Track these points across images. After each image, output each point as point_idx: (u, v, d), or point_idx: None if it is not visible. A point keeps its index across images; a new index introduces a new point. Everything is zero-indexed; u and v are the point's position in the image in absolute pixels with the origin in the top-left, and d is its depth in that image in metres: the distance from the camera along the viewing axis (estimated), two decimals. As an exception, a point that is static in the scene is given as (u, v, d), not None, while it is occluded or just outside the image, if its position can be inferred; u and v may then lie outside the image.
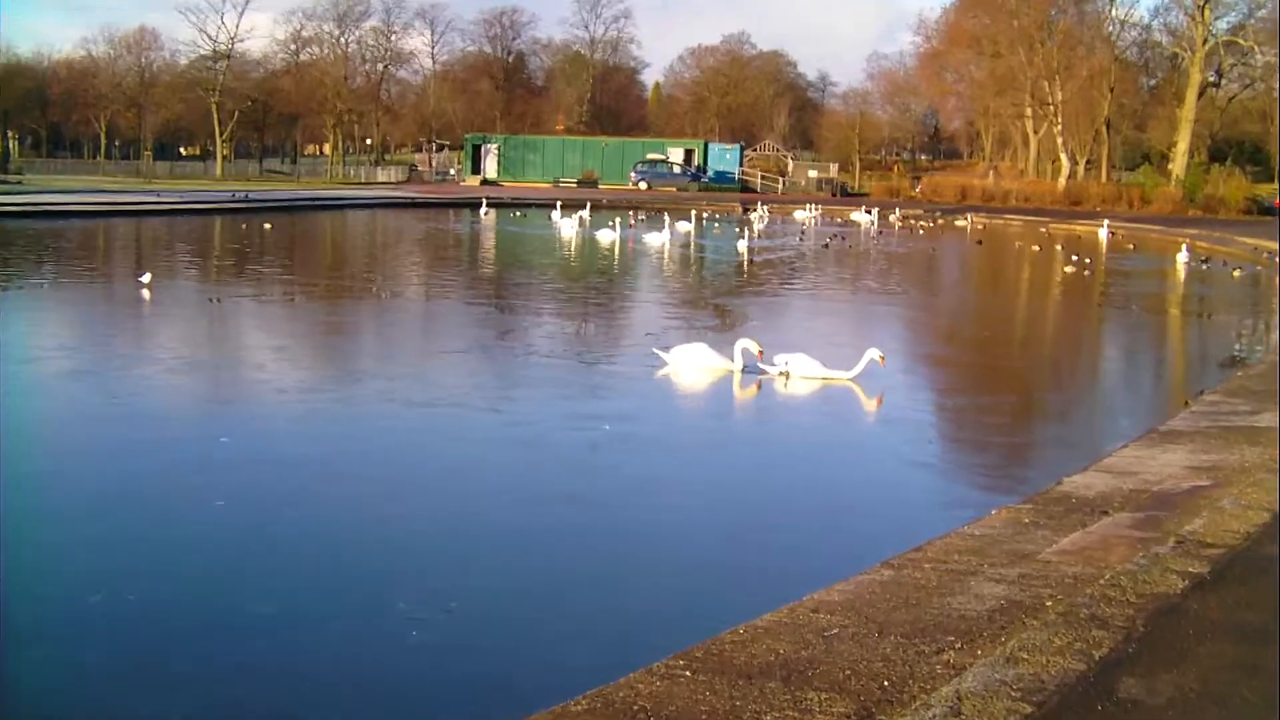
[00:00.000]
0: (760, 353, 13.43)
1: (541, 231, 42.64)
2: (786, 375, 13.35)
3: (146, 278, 20.93)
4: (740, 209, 60.98)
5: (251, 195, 54.44)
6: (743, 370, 13.58)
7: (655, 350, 14.31)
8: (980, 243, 44.48)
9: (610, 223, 38.88)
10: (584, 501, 8.63)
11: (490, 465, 9.61)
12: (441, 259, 32.27)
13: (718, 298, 23.35)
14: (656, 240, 36.85)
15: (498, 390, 12.95)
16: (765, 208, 58.75)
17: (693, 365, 13.74)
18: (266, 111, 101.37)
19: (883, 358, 13.33)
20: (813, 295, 24.91)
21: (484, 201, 54.61)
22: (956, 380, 15.15)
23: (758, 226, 47.31)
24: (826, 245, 39.22)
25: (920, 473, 9.79)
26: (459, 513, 8.36)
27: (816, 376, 13.35)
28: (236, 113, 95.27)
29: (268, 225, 38.95)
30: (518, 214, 52.32)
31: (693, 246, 37.36)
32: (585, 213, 44.65)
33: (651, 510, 8.54)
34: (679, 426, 11.61)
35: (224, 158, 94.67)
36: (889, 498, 9.14)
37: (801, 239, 42.69)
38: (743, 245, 34.97)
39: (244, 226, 39.38)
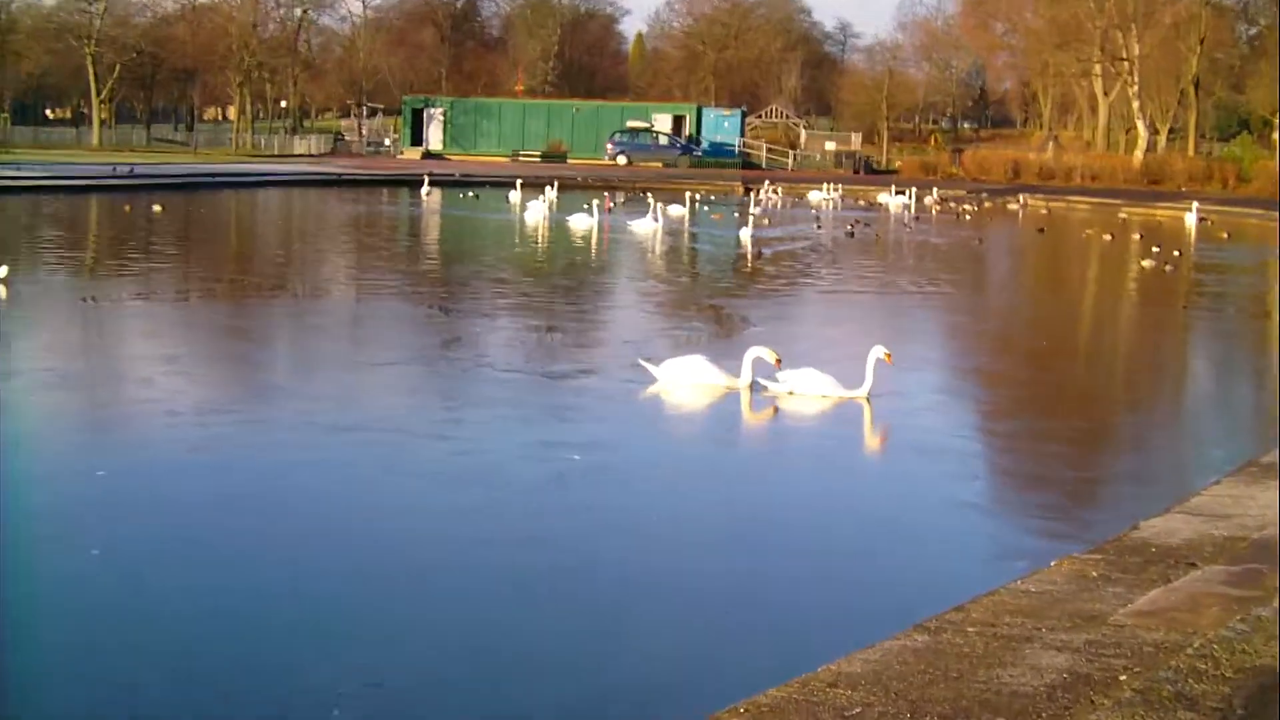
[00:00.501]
0: (778, 361, 13.63)
1: (498, 216, 42.66)
2: (791, 394, 13.58)
3: (3, 271, 20.85)
4: (742, 189, 61.23)
5: (137, 169, 54.31)
6: (749, 387, 13.71)
7: (641, 362, 14.36)
8: (1041, 230, 44.75)
9: (584, 206, 38.98)
10: (549, 548, 8.64)
11: (433, 504, 9.63)
12: (374, 249, 32.27)
13: (714, 299, 23.43)
14: (640, 228, 36.94)
15: (443, 412, 13.04)
16: (773, 187, 58.96)
17: (688, 381, 13.89)
18: (156, 66, 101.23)
19: (889, 355, 13.52)
20: (831, 296, 25.02)
21: (426, 179, 54.61)
22: (1009, 400, 15.25)
23: (761, 210, 47.46)
24: (851, 233, 39.37)
25: (963, 515, 9.90)
26: (392, 564, 8.31)
27: (827, 395, 13.58)
28: (118, 67, 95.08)
29: (157, 207, 38.83)
30: (468, 194, 52.32)
31: (685, 236, 37.46)
32: (552, 193, 44.71)
33: (631, 559, 8.56)
34: (665, 456, 11.67)
35: (102, 122, 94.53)
36: (924, 545, 9.20)
37: (818, 226, 42.85)
38: (746, 234, 35.20)
39: (127, 208, 39.26)
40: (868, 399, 13.40)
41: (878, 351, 13.49)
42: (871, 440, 12.58)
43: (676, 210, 43.30)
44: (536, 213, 40.86)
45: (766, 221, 42.73)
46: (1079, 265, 35.00)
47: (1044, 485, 11.07)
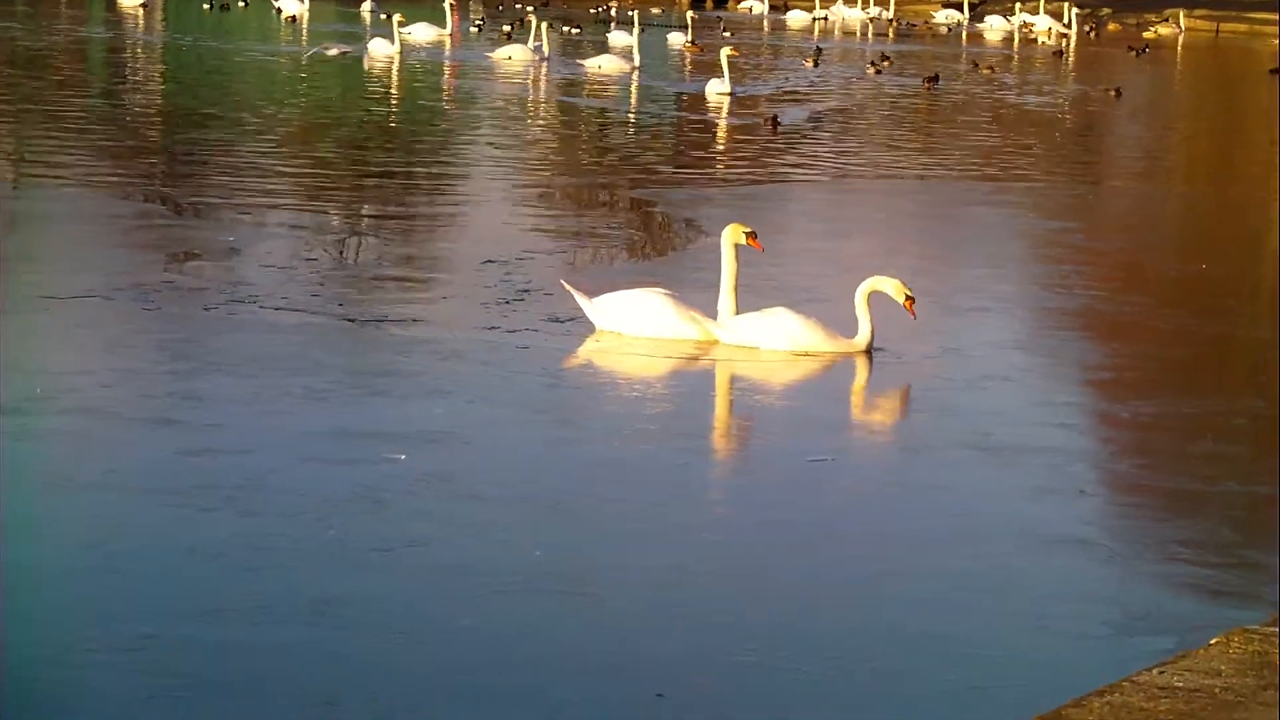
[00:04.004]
0: (753, 238, 10.98)
1: (273, 50, 34.08)
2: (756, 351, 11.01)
3: None
4: (687, 2, 46.65)
5: None
6: (696, 343, 10.96)
7: (566, 287, 11.30)
8: (1276, 72, 35.28)
9: (475, 24, 33.01)
10: (347, 618, 6.58)
11: (148, 541, 7.33)
12: (53, 110, 23.40)
13: (644, 189, 18.76)
14: (604, 65, 29.73)
15: (168, 380, 10.01)
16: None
17: (634, 330, 10.96)
18: None
19: (912, 300, 10.79)
20: (840, 188, 20.08)
21: None
22: (1138, 366, 12.08)
23: (729, 37, 38.07)
24: (931, 78, 31.18)
25: (1064, 558, 7.80)
26: (65, 645, 6.20)
27: (811, 350, 10.88)
28: None
29: None
30: (216, 7, 40.74)
31: (601, 90, 29.71)
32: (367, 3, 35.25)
33: (482, 642, 6.47)
34: (555, 460, 8.97)
35: None
36: (1005, 612, 7.18)
37: (872, 68, 33.58)
38: (718, 87, 26.52)
39: None
40: (867, 353, 10.79)
41: (871, 284, 10.74)
42: (907, 432, 10.00)
43: (623, 39, 33.95)
44: (384, 50, 31.10)
45: (759, 68, 33.50)
46: (1268, 138, 27.20)
47: (1196, 509, 8.73)
